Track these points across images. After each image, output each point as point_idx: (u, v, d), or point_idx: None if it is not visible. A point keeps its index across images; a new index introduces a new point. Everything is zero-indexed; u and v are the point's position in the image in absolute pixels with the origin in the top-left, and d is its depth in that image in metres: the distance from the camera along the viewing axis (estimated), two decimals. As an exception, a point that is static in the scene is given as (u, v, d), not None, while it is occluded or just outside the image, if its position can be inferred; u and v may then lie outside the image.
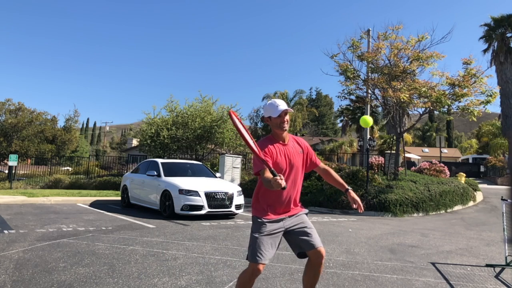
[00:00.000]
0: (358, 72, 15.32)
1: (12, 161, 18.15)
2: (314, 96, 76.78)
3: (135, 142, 41.68)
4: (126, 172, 17.30)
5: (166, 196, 9.71)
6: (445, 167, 18.42)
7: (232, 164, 16.35)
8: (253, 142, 2.71)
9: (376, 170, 15.91)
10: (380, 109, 28.44)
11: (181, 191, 9.34)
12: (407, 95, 13.42)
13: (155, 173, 10.53)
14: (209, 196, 9.41)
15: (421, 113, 15.19)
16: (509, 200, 5.61)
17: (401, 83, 13.82)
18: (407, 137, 37.11)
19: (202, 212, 9.30)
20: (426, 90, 13.58)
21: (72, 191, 16.59)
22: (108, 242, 6.16)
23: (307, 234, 2.89)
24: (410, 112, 19.47)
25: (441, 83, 14.10)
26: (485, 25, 36.39)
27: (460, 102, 13.87)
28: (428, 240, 7.60)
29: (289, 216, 2.91)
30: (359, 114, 32.41)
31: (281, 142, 2.92)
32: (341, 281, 4.40)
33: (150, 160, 12.08)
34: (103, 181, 18.74)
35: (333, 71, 20.88)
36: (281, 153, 2.86)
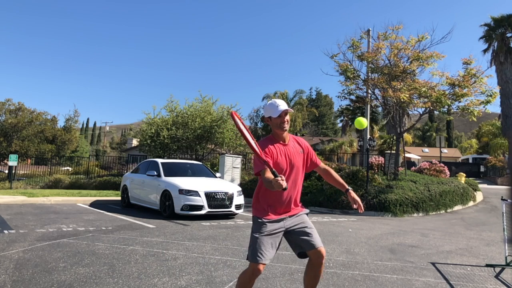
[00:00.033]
0: (358, 72, 15.32)
1: (12, 161, 18.15)
2: (314, 96, 76.78)
3: (135, 142, 41.68)
4: (126, 172, 17.30)
5: (166, 196, 9.71)
6: (445, 167, 18.42)
7: (232, 164, 16.35)
8: (255, 142, 2.71)
9: (376, 170, 15.91)
10: (380, 109, 28.45)
11: (181, 191, 9.34)
12: (407, 95, 13.42)
13: (155, 173, 10.53)
14: (209, 196, 9.41)
15: (421, 113, 15.19)
16: (509, 200, 5.61)
17: (401, 83, 13.82)
18: (407, 137, 37.12)
19: (202, 212, 9.30)
20: (426, 90, 13.59)
21: (72, 191, 16.59)
22: (108, 242, 6.16)
23: (307, 234, 2.89)
24: (410, 112, 19.47)
25: (441, 83, 14.12)
26: (485, 25, 36.40)
27: (460, 102, 13.88)
28: (428, 240, 7.60)
29: (290, 216, 2.91)
30: (359, 114, 32.41)
31: (281, 142, 2.92)
32: (341, 281, 4.40)
33: (150, 160, 12.08)
34: (103, 181, 18.73)
35: (333, 71, 20.89)
36: (282, 153, 2.87)
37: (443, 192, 13.43)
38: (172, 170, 10.89)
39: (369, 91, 15.84)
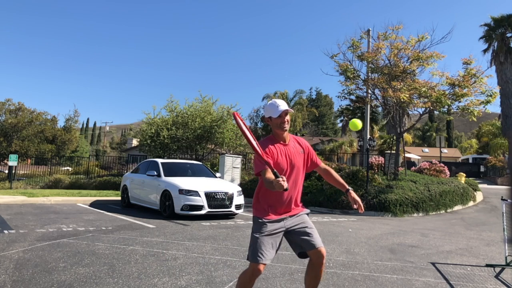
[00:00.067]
0: (358, 72, 15.33)
1: (12, 161, 18.15)
2: (314, 96, 76.80)
3: (135, 142, 41.68)
4: (126, 172, 17.30)
5: (166, 196, 9.71)
6: (445, 167, 18.42)
7: (232, 164, 16.35)
8: (256, 143, 2.71)
9: (376, 170, 15.92)
10: (380, 109, 28.45)
11: (181, 191, 9.34)
12: (407, 95, 13.42)
13: (155, 173, 10.53)
14: (209, 196, 9.41)
15: (421, 113, 15.19)
16: (509, 200, 5.61)
17: (401, 83, 13.82)
18: (407, 137, 37.11)
19: (202, 212, 9.30)
20: (426, 90, 13.59)
21: (72, 191, 16.59)
22: (108, 242, 6.16)
23: (307, 234, 2.89)
24: (410, 112, 19.48)
25: (441, 83, 14.12)
26: (485, 25, 36.41)
27: (460, 102, 13.88)
28: (428, 240, 7.60)
29: (290, 216, 2.91)
30: (359, 114, 32.42)
31: (282, 142, 2.92)
32: (341, 281, 4.40)
33: (150, 160, 12.09)
34: (103, 181, 18.73)
35: (333, 71, 20.89)
36: (282, 153, 2.87)
37: (443, 192, 13.43)
38: (172, 170, 10.89)
39: (369, 91, 15.84)
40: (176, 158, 18.54)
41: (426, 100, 13.83)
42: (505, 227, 5.75)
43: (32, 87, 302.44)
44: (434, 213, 12.72)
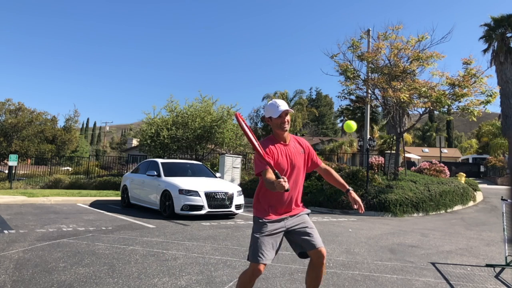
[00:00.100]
0: (358, 72, 15.33)
1: (12, 161, 18.15)
2: (314, 96, 76.84)
3: (135, 142, 41.68)
4: (126, 172, 17.30)
5: (166, 196, 9.71)
6: (445, 167, 18.42)
7: (232, 164, 16.35)
8: (258, 143, 2.72)
9: (376, 170, 15.92)
10: (380, 109, 28.44)
11: (181, 191, 9.34)
12: (407, 95, 13.42)
13: (155, 173, 10.53)
14: (209, 196, 9.41)
15: (421, 113, 15.19)
16: (509, 200, 5.61)
17: (401, 83, 13.82)
18: (407, 137, 37.12)
19: (202, 212, 9.30)
20: (426, 90, 13.59)
21: (72, 191, 16.59)
22: (108, 242, 6.16)
23: (308, 234, 2.89)
24: (410, 112, 19.47)
25: (441, 83, 14.12)
26: (485, 25, 36.41)
27: (460, 102, 13.88)
28: (428, 240, 7.60)
29: (291, 216, 2.91)
30: (359, 114, 32.42)
31: (282, 142, 2.92)
32: (341, 281, 4.40)
33: (150, 160, 12.09)
34: (103, 181, 18.73)
35: (333, 71, 20.89)
36: (283, 154, 2.87)
37: (443, 192, 13.43)
38: (172, 170, 10.89)
39: (369, 91, 15.84)
40: (176, 158, 18.54)
41: (426, 100, 13.83)
42: (505, 227, 5.75)
43: (32, 87, 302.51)
44: (434, 213, 12.72)
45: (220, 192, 9.61)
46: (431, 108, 14.23)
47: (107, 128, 79.58)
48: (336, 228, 8.80)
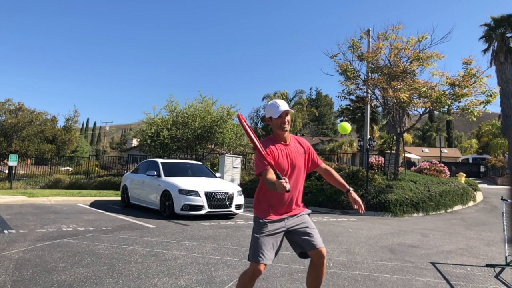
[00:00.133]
0: (358, 72, 15.33)
1: (12, 161, 18.15)
2: (314, 96, 76.87)
3: (135, 142, 41.69)
4: (126, 172, 17.30)
5: (166, 196, 9.71)
6: (445, 167, 18.42)
7: (232, 164, 16.35)
8: (260, 144, 2.72)
9: (376, 170, 15.92)
10: (380, 109, 28.43)
11: (181, 191, 9.34)
12: (407, 95, 13.42)
13: (155, 173, 10.53)
14: (209, 196, 9.41)
15: (421, 113, 15.19)
16: (509, 200, 5.61)
17: (401, 83, 13.82)
18: (407, 137, 37.12)
19: (202, 212, 9.30)
20: (426, 90, 13.59)
21: (72, 191, 16.59)
22: (108, 242, 6.16)
23: (308, 234, 2.89)
24: (410, 112, 19.47)
25: (441, 83, 14.13)
26: (485, 25, 36.42)
27: (460, 102, 13.89)
28: (428, 240, 7.60)
29: (291, 216, 2.91)
30: (359, 114, 32.42)
31: (282, 142, 2.92)
32: (341, 281, 4.40)
33: (150, 160, 12.09)
34: (103, 181, 18.74)
35: (333, 71, 20.90)
36: (283, 154, 2.87)
37: (443, 192, 13.43)
38: (172, 170, 10.89)
39: (369, 91, 15.84)
40: (176, 158, 18.54)
41: (426, 100, 13.83)
42: (505, 227, 5.75)
43: (32, 87, 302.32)
44: (434, 213, 12.72)
45: (220, 192, 9.61)
46: (431, 108, 14.23)
47: (107, 128, 79.59)
48: (336, 228, 8.80)
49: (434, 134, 70.98)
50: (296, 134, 27.52)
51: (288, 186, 2.52)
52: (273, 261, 2.87)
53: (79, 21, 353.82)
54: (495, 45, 35.73)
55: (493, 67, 35.37)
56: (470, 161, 38.53)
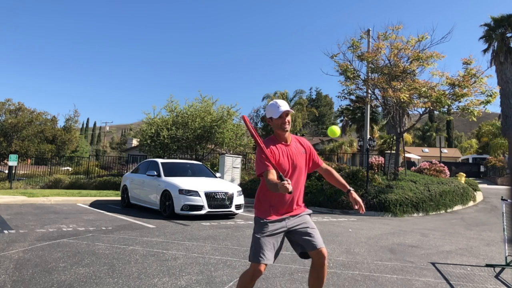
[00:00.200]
0: (358, 72, 15.33)
1: (12, 161, 18.15)
2: (314, 96, 76.89)
3: (135, 142, 41.68)
4: (126, 172, 17.30)
5: (166, 196, 9.71)
6: (445, 167, 18.42)
7: (232, 164, 16.35)
8: (264, 146, 2.74)
9: (376, 170, 15.92)
10: (380, 109, 28.43)
11: (181, 191, 9.34)
12: (407, 95, 13.43)
13: (155, 173, 10.53)
14: (209, 196, 9.41)
15: (421, 113, 15.19)
16: (509, 200, 5.61)
17: (401, 83, 13.82)
18: (407, 137, 37.12)
19: (202, 212, 9.30)
20: (426, 90, 13.59)
21: (72, 191, 16.59)
22: (108, 242, 6.16)
23: (309, 234, 2.89)
24: (410, 112, 19.49)
25: (441, 83, 14.13)
26: (485, 25, 36.41)
27: (460, 102, 13.89)
28: (428, 240, 7.60)
29: (292, 216, 2.91)
30: (359, 114, 32.43)
31: (283, 142, 2.92)
32: (341, 281, 4.40)
33: (150, 160, 12.08)
34: (103, 181, 18.73)
35: (333, 71, 20.91)
36: (284, 154, 2.86)
37: (443, 192, 13.43)
38: (172, 170, 10.89)
39: (369, 91, 15.84)
40: (176, 158, 18.54)
41: (426, 100, 13.84)
42: (505, 227, 5.75)
43: (32, 87, 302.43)
44: (434, 213, 12.72)
45: (220, 192, 9.61)
46: (431, 108, 14.23)
47: (107, 128, 79.59)
48: (336, 228, 8.80)
49: (434, 134, 70.99)
50: (296, 134, 27.50)
51: (290, 188, 2.52)
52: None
53: (79, 21, 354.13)
54: (495, 45, 35.73)
55: (493, 67, 35.40)
56: (470, 161, 38.53)
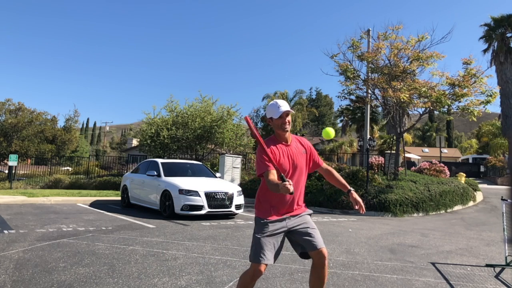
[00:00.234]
0: (358, 72, 15.33)
1: (12, 161, 18.15)
2: (314, 96, 76.87)
3: (135, 142, 41.68)
4: (126, 172, 17.30)
5: (166, 196, 9.71)
6: (445, 167, 18.42)
7: (232, 164, 16.35)
8: (265, 146, 2.74)
9: (376, 170, 15.92)
10: (380, 109, 28.43)
11: (181, 191, 9.34)
12: (407, 95, 13.42)
13: (155, 173, 10.53)
14: (209, 196, 9.41)
15: (421, 113, 15.19)
16: (509, 200, 5.61)
17: (401, 83, 13.82)
18: (407, 137, 37.12)
19: (202, 212, 9.30)
20: (426, 90, 13.59)
21: (72, 191, 16.59)
22: (108, 242, 6.16)
23: (309, 234, 2.89)
24: (410, 112, 19.48)
25: (441, 83, 14.13)
26: (485, 25, 36.41)
27: (460, 102, 13.89)
28: (428, 240, 7.60)
29: (292, 216, 2.91)
30: (359, 114, 32.42)
31: (283, 142, 2.92)
32: (341, 281, 4.40)
33: (150, 160, 12.08)
34: (103, 181, 18.73)
35: (333, 71, 20.91)
36: (284, 154, 2.87)
37: (443, 192, 13.43)
38: (172, 170, 10.89)
39: (369, 91, 15.84)
40: (176, 158, 18.54)
41: (426, 100, 13.83)
42: (505, 227, 5.75)
43: (32, 87, 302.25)
44: (434, 213, 12.72)
45: (220, 192, 9.61)
46: (431, 108, 14.23)
47: (107, 128, 79.58)
48: (336, 228, 8.80)
49: (434, 134, 70.99)
50: (296, 134, 27.49)
51: (291, 189, 2.53)
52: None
53: (79, 21, 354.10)
54: (495, 45, 35.73)
55: (493, 67, 35.40)
56: (470, 161, 38.53)
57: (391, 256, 5.94)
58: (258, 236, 2.81)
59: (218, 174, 11.68)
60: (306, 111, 48.26)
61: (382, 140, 31.95)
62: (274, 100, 3.02)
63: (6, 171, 24.71)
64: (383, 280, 4.54)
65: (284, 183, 2.54)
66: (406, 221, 10.90)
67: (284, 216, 2.88)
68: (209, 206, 9.34)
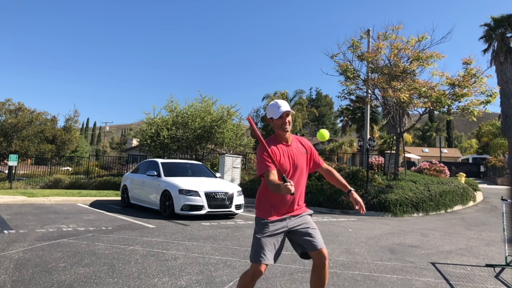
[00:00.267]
0: (358, 72, 15.33)
1: (12, 161, 18.15)
2: (314, 96, 76.91)
3: (135, 142, 41.69)
4: (126, 172, 17.30)
5: (166, 196, 9.71)
6: (445, 167, 18.42)
7: (232, 164, 16.35)
8: (267, 146, 2.74)
9: (376, 170, 15.91)
10: (380, 109, 28.41)
11: (181, 191, 9.34)
12: (407, 95, 13.43)
13: (155, 173, 10.53)
14: (209, 196, 9.41)
15: (421, 113, 15.19)
16: (509, 200, 5.61)
17: (401, 83, 13.82)
18: (407, 137, 37.12)
19: (202, 212, 9.30)
20: (426, 90, 13.59)
21: (72, 191, 16.59)
22: (108, 242, 6.16)
23: (310, 234, 2.89)
24: (410, 112, 19.49)
25: (441, 83, 14.13)
26: (485, 25, 36.41)
27: (460, 102, 13.89)
28: (428, 240, 7.60)
29: (293, 216, 2.91)
30: (359, 114, 32.42)
31: (284, 143, 2.92)
32: (341, 281, 4.40)
33: (150, 160, 12.08)
34: (103, 181, 18.73)
35: (333, 71, 20.91)
36: (285, 154, 2.86)
37: (443, 192, 13.43)
38: (172, 170, 10.89)
39: (369, 91, 15.84)
40: (176, 158, 18.54)
41: (426, 100, 13.84)
42: (505, 227, 5.76)
43: (32, 87, 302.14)
44: (434, 213, 12.72)
45: (220, 192, 9.61)
46: (431, 108, 14.23)
47: (107, 128, 79.60)
48: (336, 228, 8.80)
49: (434, 134, 71.00)
50: (296, 134, 27.47)
51: (293, 189, 2.53)
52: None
53: (79, 21, 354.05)
54: (495, 45, 35.73)
55: (493, 67, 35.41)
56: (470, 161, 38.53)
57: (391, 256, 5.94)
58: (259, 236, 2.81)
59: (218, 174, 11.68)
60: (306, 111, 48.24)
61: (382, 140, 31.95)
62: (274, 100, 3.02)
63: (6, 171, 24.71)
64: (383, 280, 4.54)
65: (286, 183, 2.54)
66: (406, 221, 10.90)
67: (285, 216, 2.88)
68: (209, 206, 9.35)
